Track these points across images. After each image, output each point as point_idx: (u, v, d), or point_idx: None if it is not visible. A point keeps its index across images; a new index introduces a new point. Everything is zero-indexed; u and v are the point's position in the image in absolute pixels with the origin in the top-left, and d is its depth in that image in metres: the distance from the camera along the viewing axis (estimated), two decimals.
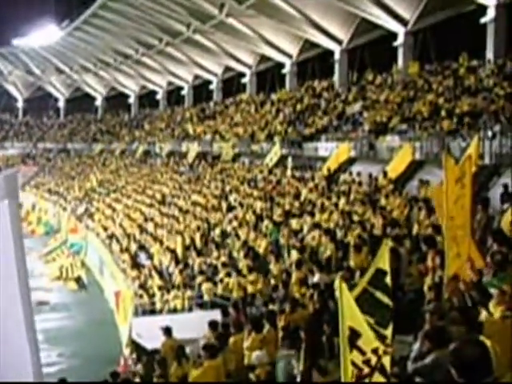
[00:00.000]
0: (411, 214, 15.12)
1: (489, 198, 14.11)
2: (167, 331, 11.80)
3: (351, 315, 4.56)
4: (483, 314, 6.74)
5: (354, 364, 4.53)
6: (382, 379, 4.64)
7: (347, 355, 4.52)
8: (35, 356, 2.52)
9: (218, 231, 22.14)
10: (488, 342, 5.04)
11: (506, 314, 6.22)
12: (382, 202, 16.94)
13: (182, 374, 9.35)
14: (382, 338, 4.75)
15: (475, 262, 7.38)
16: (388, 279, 4.97)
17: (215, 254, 19.76)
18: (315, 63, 42.45)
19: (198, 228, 23.42)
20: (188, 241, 22.72)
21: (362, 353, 4.55)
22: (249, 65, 47.99)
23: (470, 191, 7.44)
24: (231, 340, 9.46)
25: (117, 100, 69.24)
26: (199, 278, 18.07)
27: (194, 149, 39.40)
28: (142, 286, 21.34)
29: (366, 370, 4.58)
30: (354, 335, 4.54)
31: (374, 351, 4.61)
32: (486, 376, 3.12)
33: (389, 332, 4.83)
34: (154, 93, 63.20)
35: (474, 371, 3.12)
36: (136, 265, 24.17)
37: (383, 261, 5.07)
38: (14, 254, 2.55)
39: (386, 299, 4.90)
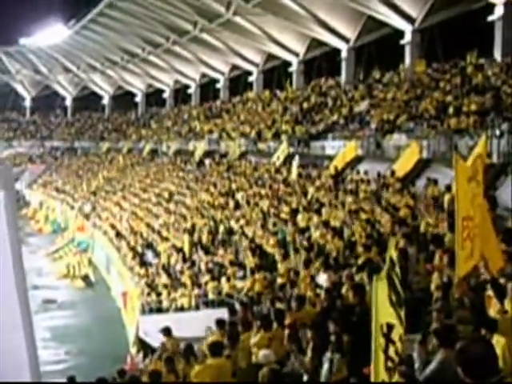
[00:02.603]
0: (417, 213, 15.07)
1: (496, 196, 14.07)
2: (166, 331, 11.84)
3: (385, 311, 4.61)
4: (492, 311, 6.72)
5: (389, 358, 4.58)
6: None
7: (381, 353, 4.55)
8: (33, 355, 2.48)
9: (224, 229, 22.15)
10: (502, 340, 5.01)
11: None
12: (391, 200, 16.89)
13: (190, 372, 9.37)
14: (401, 320, 4.80)
15: (495, 262, 7.34)
16: (397, 269, 5.02)
17: (222, 252, 19.77)
18: (322, 61, 42.40)
19: (205, 226, 23.44)
20: (195, 239, 22.75)
21: (394, 343, 4.61)
22: (256, 63, 47.97)
23: (482, 189, 7.42)
24: (242, 338, 9.47)
25: (124, 99, 69.35)
26: (206, 277, 18.11)
27: (200, 147, 39.43)
28: (149, 285, 21.38)
29: (397, 359, 4.62)
30: (389, 329, 4.60)
31: (400, 338, 4.69)
32: (492, 375, 3.12)
33: (403, 313, 4.88)
34: (160, 91, 63.25)
35: (479, 370, 3.12)
36: (143, 263, 24.23)
37: (392, 252, 5.14)
38: (10, 246, 2.51)
39: (398, 284, 4.94)
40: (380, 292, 4.63)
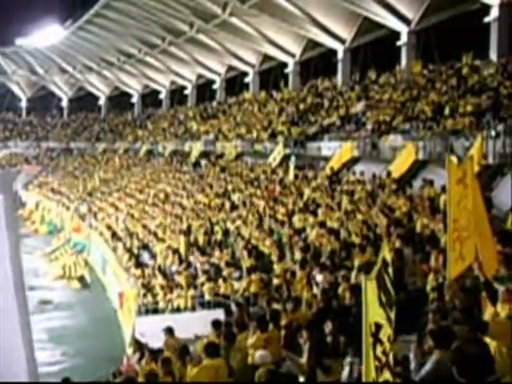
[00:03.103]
0: (414, 214, 15.09)
1: (491, 198, 14.09)
2: (169, 331, 11.82)
3: (374, 311, 4.64)
4: (487, 314, 6.73)
5: (376, 358, 4.60)
6: (388, 373, 4.68)
7: (370, 352, 4.57)
8: (30, 355, 2.47)
9: (220, 230, 22.15)
10: (493, 343, 5.03)
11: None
12: (387, 201, 16.91)
13: (186, 373, 9.37)
14: (390, 321, 4.82)
15: (490, 264, 7.34)
16: (390, 270, 5.03)
17: (218, 253, 19.77)
18: (318, 62, 42.42)
19: (201, 227, 23.43)
20: (191, 240, 22.75)
21: (381, 343, 4.63)
22: (252, 64, 47.99)
23: (473, 191, 7.45)
24: (238, 338, 9.48)
25: (120, 99, 69.34)
26: (202, 278, 18.10)
27: (196, 148, 39.43)
28: (145, 286, 21.37)
29: (384, 359, 4.63)
30: (377, 328, 4.62)
31: (388, 338, 4.71)
32: (487, 375, 3.13)
33: (393, 314, 4.90)
34: (157, 92, 63.26)
35: (474, 370, 3.14)
36: (139, 264, 24.20)
37: (386, 252, 5.15)
38: (9, 248, 2.51)
39: (389, 285, 4.96)
40: (370, 292, 4.66)
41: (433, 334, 5.97)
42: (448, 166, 7.10)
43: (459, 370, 3.17)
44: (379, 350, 4.66)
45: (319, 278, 12.13)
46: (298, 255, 14.87)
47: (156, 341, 12.52)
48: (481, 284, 7.46)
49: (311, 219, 17.53)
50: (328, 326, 7.93)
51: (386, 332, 4.73)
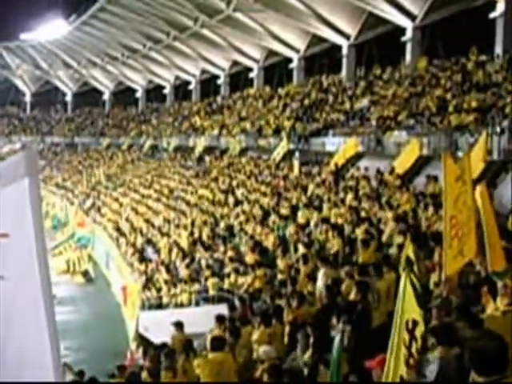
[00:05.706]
0: (418, 210, 15.06)
1: (494, 194, 14.04)
2: (179, 325, 11.82)
3: (411, 306, 4.61)
4: (489, 309, 6.73)
5: (411, 355, 4.56)
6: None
7: (403, 348, 4.53)
8: (56, 356, 2.44)
9: (224, 226, 22.16)
10: None
11: (507, 309, 6.21)
12: (391, 197, 16.87)
13: (189, 367, 9.38)
14: (423, 318, 4.80)
15: (496, 259, 7.32)
16: (416, 268, 5.02)
17: (222, 248, 19.77)
18: (323, 58, 42.32)
19: (205, 222, 23.45)
20: (195, 235, 22.77)
21: (416, 341, 4.60)
22: (256, 59, 47.91)
23: (471, 187, 7.43)
24: (242, 333, 9.49)
25: (124, 94, 69.29)
26: (206, 273, 18.12)
27: (201, 143, 39.44)
28: (149, 280, 21.40)
29: (417, 357, 4.61)
30: (414, 325, 4.59)
31: (421, 336, 4.69)
32: (504, 368, 3.08)
33: (423, 312, 4.88)
34: (161, 87, 63.21)
35: (492, 363, 3.08)
36: (143, 259, 24.24)
37: (410, 251, 5.15)
38: (34, 234, 2.49)
39: (417, 283, 4.93)
40: (408, 286, 4.60)
41: (434, 332, 5.96)
42: (444, 163, 7.09)
43: (476, 364, 3.11)
44: (414, 347, 4.60)
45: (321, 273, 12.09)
46: (301, 251, 14.85)
47: (159, 335, 12.53)
48: (482, 279, 7.46)
49: (315, 215, 17.50)
50: (334, 322, 7.92)
51: (421, 329, 4.68)
